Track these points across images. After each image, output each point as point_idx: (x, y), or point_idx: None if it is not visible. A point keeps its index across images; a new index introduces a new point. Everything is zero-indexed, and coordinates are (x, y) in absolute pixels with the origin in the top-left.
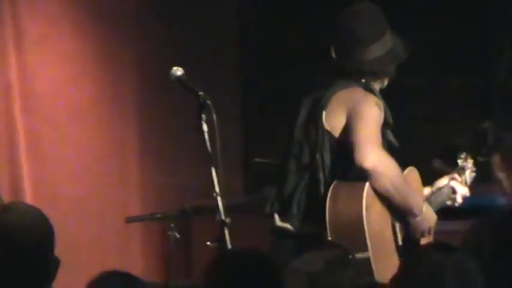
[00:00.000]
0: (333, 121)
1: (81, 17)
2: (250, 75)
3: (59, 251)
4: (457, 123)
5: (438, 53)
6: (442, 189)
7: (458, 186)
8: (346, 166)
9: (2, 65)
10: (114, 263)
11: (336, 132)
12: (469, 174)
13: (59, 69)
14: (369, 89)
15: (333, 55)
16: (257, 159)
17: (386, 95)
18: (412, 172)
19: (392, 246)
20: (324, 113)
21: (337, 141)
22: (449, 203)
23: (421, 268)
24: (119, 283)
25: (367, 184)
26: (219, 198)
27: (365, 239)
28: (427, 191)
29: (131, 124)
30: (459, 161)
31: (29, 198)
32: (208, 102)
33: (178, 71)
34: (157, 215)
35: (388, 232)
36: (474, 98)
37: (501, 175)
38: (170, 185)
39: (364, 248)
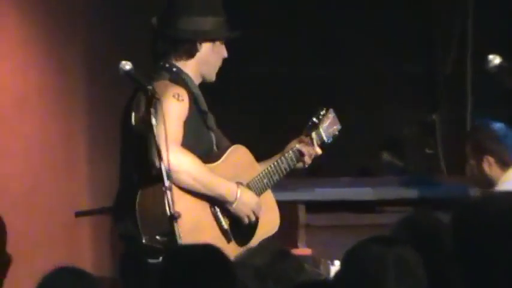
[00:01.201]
0: (140, 119)
1: (28, 8)
2: None
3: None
4: (400, 114)
5: (382, 42)
6: (283, 157)
7: (305, 147)
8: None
9: None
10: (63, 257)
11: (139, 131)
12: (324, 131)
13: (6, 61)
14: (174, 77)
15: (155, 27)
16: None
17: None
18: (236, 151)
19: (216, 233)
20: (133, 113)
21: (141, 143)
22: (300, 165)
23: (362, 262)
24: (70, 279)
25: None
26: (168, 193)
27: (176, 236)
28: (268, 163)
29: (79, 116)
30: (313, 118)
31: None
32: (157, 96)
33: (126, 65)
34: (108, 208)
35: (208, 221)
36: (417, 88)
37: (472, 162)
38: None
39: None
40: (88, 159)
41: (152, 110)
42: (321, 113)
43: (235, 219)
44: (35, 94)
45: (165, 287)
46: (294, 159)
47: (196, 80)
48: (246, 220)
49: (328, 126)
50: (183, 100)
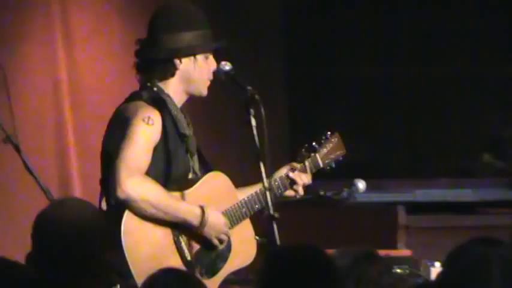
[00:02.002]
0: (110, 141)
1: (128, 12)
2: (296, 71)
3: None
4: (501, 115)
5: (484, 43)
6: (275, 183)
7: (298, 175)
8: None
9: (52, 62)
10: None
11: (109, 153)
12: (322, 157)
13: (107, 64)
14: (149, 97)
15: (137, 54)
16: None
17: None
18: (213, 177)
19: (178, 262)
20: (105, 133)
21: (110, 163)
22: (290, 193)
23: (466, 261)
24: (175, 280)
25: (126, 212)
26: (267, 193)
27: (128, 267)
28: (253, 189)
29: None
30: (313, 143)
31: (77, 192)
32: (257, 97)
33: (226, 65)
34: None
35: (169, 251)
36: None
37: None
38: None
39: (129, 275)
40: None
41: (251, 111)
42: (323, 137)
43: (203, 249)
44: None
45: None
46: (281, 187)
47: (179, 100)
48: (217, 243)
49: (328, 152)
50: (153, 124)
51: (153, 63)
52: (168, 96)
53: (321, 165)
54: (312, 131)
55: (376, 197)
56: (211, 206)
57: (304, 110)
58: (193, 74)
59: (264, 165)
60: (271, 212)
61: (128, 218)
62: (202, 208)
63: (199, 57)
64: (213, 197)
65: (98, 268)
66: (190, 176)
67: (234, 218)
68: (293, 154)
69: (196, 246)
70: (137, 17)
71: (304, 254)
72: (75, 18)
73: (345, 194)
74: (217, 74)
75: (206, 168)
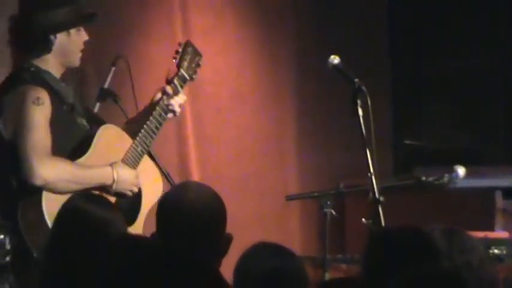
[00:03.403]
0: (8, 129)
1: (243, 8)
2: (401, 62)
3: None
4: None
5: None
6: (151, 117)
7: (171, 98)
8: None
9: (169, 54)
10: (274, 238)
11: (9, 141)
12: (186, 71)
13: (223, 58)
14: (31, 77)
15: (12, 32)
16: (407, 141)
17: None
18: (103, 133)
19: None
20: (1, 120)
21: (12, 151)
22: (170, 116)
23: None
24: (270, 253)
25: (43, 192)
26: (373, 178)
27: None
28: (139, 124)
29: (288, 108)
30: (173, 60)
31: (195, 178)
32: (363, 88)
33: (335, 59)
34: (315, 193)
35: None
36: None
37: None
38: (326, 165)
39: None
40: (297, 147)
41: (358, 101)
42: (179, 50)
43: (119, 199)
44: (249, 88)
45: (369, 268)
46: (163, 114)
47: (58, 73)
48: (130, 194)
49: (189, 63)
50: (43, 104)
51: (29, 41)
52: (46, 72)
53: (188, 77)
54: (414, 120)
55: (475, 183)
56: (115, 160)
57: (406, 100)
58: (68, 48)
59: (370, 152)
60: (377, 196)
61: (47, 201)
62: (110, 166)
63: (72, 31)
64: (110, 151)
65: (217, 243)
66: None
67: (133, 160)
68: (395, 142)
69: (112, 200)
70: (251, 14)
71: (407, 235)
72: (194, 16)
73: (445, 179)
74: (327, 66)
75: (100, 123)
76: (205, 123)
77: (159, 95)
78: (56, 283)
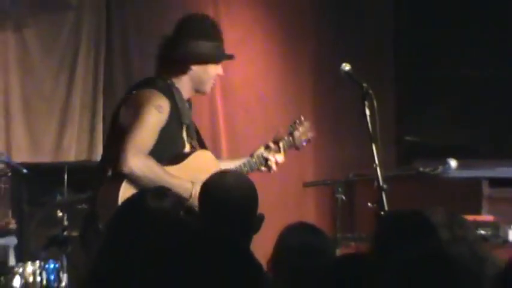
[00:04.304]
0: (124, 116)
1: (269, 24)
2: (403, 68)
3: None
4: None
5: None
6: (247, 161)
7: (271, 153)
8: None
9: None
10: (293, 220)
11: (123, 127)
12: (295, 138)
13: (252, 66)
14: (163, 87)
15: (160, 49)
16: (409, 138)
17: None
18: (200, 155)
19: None
20: (120, 111)
21: (121, 136)
22: (264, 169)
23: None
24: (307, 231)
25: (124, 181)
26: (378, 169)
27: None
28: (235, 163)
29: (307, 109)
30: (290, 126)
31: None
32: (370, 92)
33: (346, 66)
34: (328, 181)
35: None
36: None
37: None
38: (338, 157)
39: None
40: (313, 142)
41: (366, 102)
42: (297, 121)
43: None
44: (273, 91)
45: (377, 245)
46: (258, 163)
47: (186, 94)
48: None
49: (301, 134)
50: (162, 112)
51: (172, 60)
52: (178, 89)
53: (296, 143)
54: (414, 120)
55: (465, 173)
56: (199, 181)
57: (408, 102)
58: (203, 77)
59: (376, 147)
60: (381, 184)
61: (125, 185)
62: (192, 183)
63: (211, 64)
64: (199, 171)
65: (251, 221)
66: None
67: None
68: (397, 139)
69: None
70: (275, 29)
71: (409, 217)
72: (226, 29)
73: (440, 170)
74: (339, 73)
75: (203, 147)
76: (236, 121)
77: (261, 149)
78: (111, 250)
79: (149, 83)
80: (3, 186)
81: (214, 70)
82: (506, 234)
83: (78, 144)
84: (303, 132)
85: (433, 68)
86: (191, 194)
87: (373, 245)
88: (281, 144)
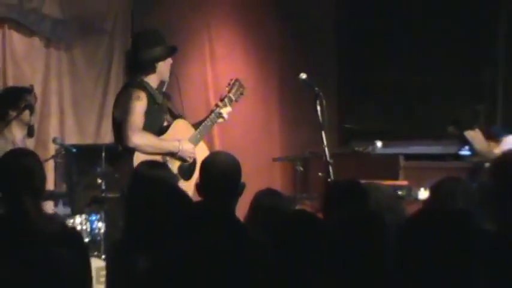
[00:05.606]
0: (116, 113)
1: (247, 41)
2: (343, 73)
3: None
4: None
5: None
6: (207, 118)
7: (222, 109)
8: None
9: (202, 71)
10: (264, 186)
11: (117, 121)
12: (233, 95)
13: (234, 72)
14: (138, 85)
15: (128, 56)
16: (347, 125)
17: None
18: (177, 123)
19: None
20: (114, 108)
21: (119, 126)
22: (220, 120)
23: (442, 189)
24: (273, 194)
25: (135, 153)
26: (326, 148)
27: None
28: (203, 122)
29: (275, 106)
30: (226, 88)
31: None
32: (320, 93)
33: (303, 75)
34: (291, 157)
35: None
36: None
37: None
38: (298, 140)
39: None
40: (280, 129)
41: (317, 101)
42: (230, 83)
43: (182, 163)
44: (250, 92)
45: (324, 203)
46: (216, 118)
47: (155, 84)
48: (189, 160)
49: (236, 90)
50: (142, 100)
51: (141, 66)
52: (147, 83)
53: (234, 98)
54: (351, 112)
55: (387, 151)
56: (183, 138)
57: (347, 99)
58: (163, 69)
59: (324, 132)
60: (328, 159)
61: (137, 155)
62: (178, 141)
63: (167, 59)
64: (180, 133)
65: (237, 189)
66: (165, 124)
67: (194, 141)
68: (339, 126)
69: (177, 163)
70: (252, 45)
71: (347, 184)
72: (216, 45)
73: (369, 149)
74: (298, 80)
75: (174, 117)
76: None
77: (214, 107)
78: (132, 208)
79: (127, 85)
80: (59, 161)
81: (168, 63)
82: (417, 194)
83: (112, 131)
84: (237, 89)
85: (366, 72)
86: (179, 148)
87: (322, 205)
88: (226, 100)
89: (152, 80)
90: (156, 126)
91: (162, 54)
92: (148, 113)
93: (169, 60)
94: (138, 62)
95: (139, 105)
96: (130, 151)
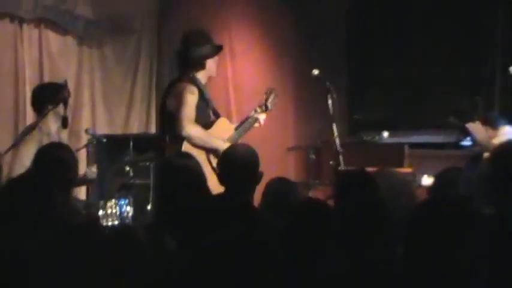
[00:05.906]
0: (169, 103)
1: (265, 39)
2: (354, 65)
3: None
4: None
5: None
6: (246, 122)
7: (259, 115)
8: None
9: (223, 68)
10: (281, 172)
11: (170, 111)
12: (269, 103)
13: (253, 68)
14: (190, 80)
15: (179, 54)
16: (356, 117)
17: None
18: (220, 121)
19: (209, 168)
20: (166, 100)
21: (171, 116)
22: (256, 125)
23: (448, 176)
24: (284, 182)
25: (184, 142)
26: (336, 138)
27: None
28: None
29: (290, 100)
30: (264, 96)
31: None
32: (331, 88)
33: (316, 71)
34: (304, 147)
35: (205, 161)
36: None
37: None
38: (311, 130)
39: None
40: (295, 120)
41: (329, 95)
42: (267, 92)
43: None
44: (267, 86)
45: (336, 190)
46: (252, 122)
47: (204, 80)
48: None
49: (272, 99)
50: (195, 94)
51: (191, 63)
52: (198, 79)
53: (270, 107)
54: (360, 105)
55: (393, 140)
56: (224, 137)
57: (356, 93)
58: (211, 67)
59: (335, 123)
60: (338, 148)
61: (185, 145)
62: (223, 141)
63: (214, 57)
64: (223, 131)
65: (256, 177)
66: (211, 118)
67: (233, 141)
68: (348, 117)
69: (215, 161)
70: (269, 42)
71: (356, 173)
72: (235, 43)
73: (377, 138)
74: (311, 76)
75: (217, 115)
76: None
77: (252, 112)
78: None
79: (179, 79)
80: (90, 150)
81: (216, 60)
82: (420, 181)
83: (139, 122)
84: (273, 99)
85: (374, 68)
86: (223, 148)
87: (333, 193)
88: (263, 108)
89: (201, 76)
90: (203, 120)
91: (211, 52)
92: (197, 108)
93: (216, 58)
94: (189, 59)
95: (192, 99)
96: (179, 141)
